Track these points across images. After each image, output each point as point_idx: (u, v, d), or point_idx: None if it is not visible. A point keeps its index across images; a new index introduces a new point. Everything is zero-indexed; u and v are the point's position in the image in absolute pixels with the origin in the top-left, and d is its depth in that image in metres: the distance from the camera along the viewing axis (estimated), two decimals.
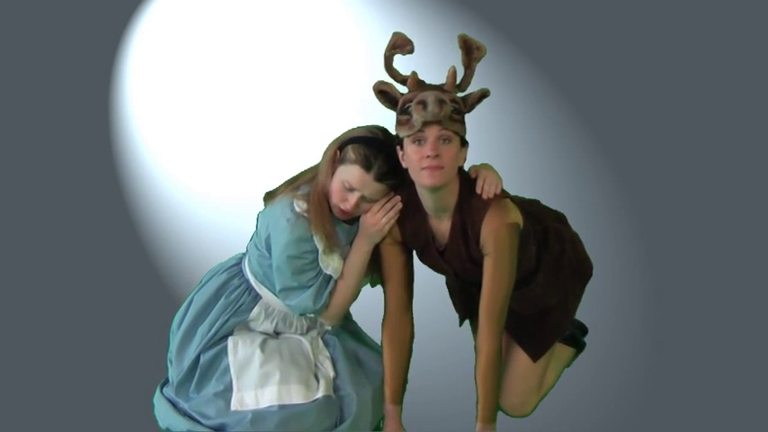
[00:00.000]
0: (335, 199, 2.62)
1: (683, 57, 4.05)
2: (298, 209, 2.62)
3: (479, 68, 2.47)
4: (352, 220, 2.70)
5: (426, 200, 2.56)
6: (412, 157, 2.46)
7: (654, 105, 4.04)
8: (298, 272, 2.64)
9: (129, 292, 3.50)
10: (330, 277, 2.69)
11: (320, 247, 2.63)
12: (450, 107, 2.42)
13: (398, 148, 2.53)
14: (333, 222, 2.65)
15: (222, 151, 4.18)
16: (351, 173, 2.58)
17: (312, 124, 3.91)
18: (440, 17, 4.18)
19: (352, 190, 2.59)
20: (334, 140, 2.66)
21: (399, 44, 2.51)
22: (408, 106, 2.44)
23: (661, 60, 4.07)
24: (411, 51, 2.51)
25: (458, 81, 2.50)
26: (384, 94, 2.52)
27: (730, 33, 4.01)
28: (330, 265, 2.66)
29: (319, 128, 2.65)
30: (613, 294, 3.30)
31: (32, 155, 4.03)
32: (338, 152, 2.62)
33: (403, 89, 2.52)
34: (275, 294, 2.73)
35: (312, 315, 2.74)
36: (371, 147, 2.58)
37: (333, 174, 2.62)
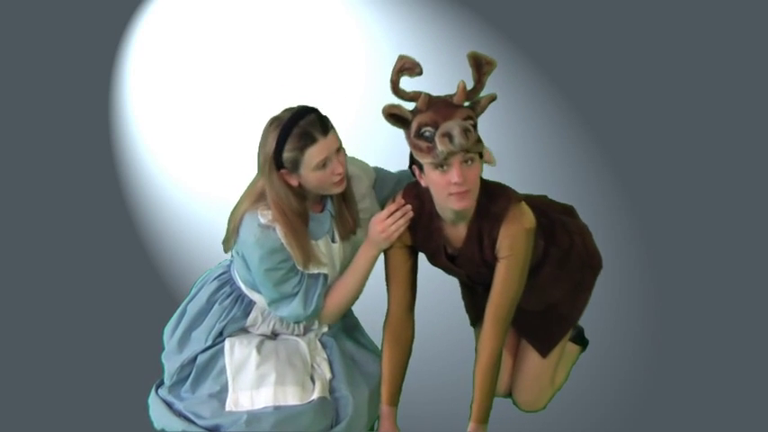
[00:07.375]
0: (326, 181, 2.54)
1: (682, 57, 4.06)
2: (263, 220, 2.57)
3: None
4: (322, 207, 2.67)
5: (446, 212, 2.53)
6: (437, 182, 2.41)
7: (654, 105, 4.04)
8: (279, 283, 2.62)
9: (128, 292, 3.50)
10: (317, 279, 2.66)
11: (298, 264, 2.60)
12: (475, 134, 2.38)
13: (415, 167, 2.47)
14: (308, 236, 2.60)
15: (222, 151, 4.18)
16: (313, 155, 2.49)
17: None
18: (439, 17, 4.18)
19: (327, 162, 2.52)
20: (261, 166, 2.57)
21: (407, 67, 2.43)
22: (427, 132, 2.38)
23: (661, 60, 4.07)
24: (420, 73, 2.43)
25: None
26: (395, 117, 2.43)
27: (730, 33, 4.01)
28: (314, 267, 2.64)
29: None
30: (613, 294, 3.30)
31: (33, 155, 4.04)
32: (276, 169, 2.54)
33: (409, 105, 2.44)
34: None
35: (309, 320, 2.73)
36: (291, 125, 2.50)
37: (290, 187, 2.55)
